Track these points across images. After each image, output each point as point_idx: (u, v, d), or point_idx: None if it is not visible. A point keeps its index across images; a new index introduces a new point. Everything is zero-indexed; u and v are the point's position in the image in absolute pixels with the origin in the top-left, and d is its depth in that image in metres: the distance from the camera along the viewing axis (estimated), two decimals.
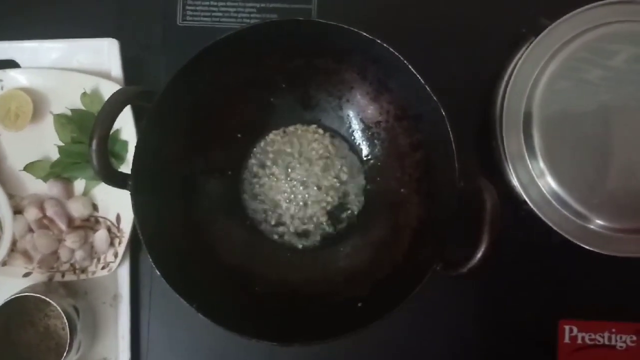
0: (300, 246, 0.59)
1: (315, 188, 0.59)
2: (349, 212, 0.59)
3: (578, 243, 0.54)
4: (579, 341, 0.60)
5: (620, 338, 0.59)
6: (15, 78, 0.61)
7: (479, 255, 0.45)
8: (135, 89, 0.56)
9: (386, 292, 0.51)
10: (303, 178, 0.59)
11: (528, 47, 0.55)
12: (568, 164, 0.54)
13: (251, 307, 0.53)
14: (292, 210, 0.59)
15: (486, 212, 0.45)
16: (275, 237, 0.59)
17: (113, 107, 0.49)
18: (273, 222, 0.59)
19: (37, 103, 0.61)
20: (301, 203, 0.59)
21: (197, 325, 0.59)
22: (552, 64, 0.55)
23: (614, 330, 0.60)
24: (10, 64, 0.62)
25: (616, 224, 0.54)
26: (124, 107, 0.50)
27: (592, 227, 0.54)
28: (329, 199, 0.59)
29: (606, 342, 0.60)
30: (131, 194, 0.49)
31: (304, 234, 0.59)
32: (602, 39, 0.55)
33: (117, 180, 0.50)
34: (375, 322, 0.46)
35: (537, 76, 0.55)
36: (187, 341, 0.61)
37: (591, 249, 0.53)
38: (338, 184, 0.59)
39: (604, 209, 0.54)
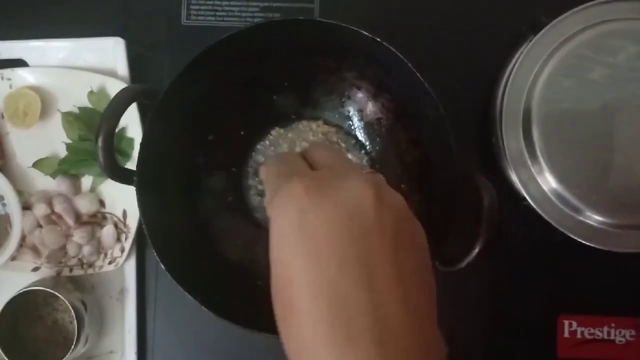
0: None
1: None
2: None
3: (577, 239, 0.53)
4: (579, 336, 0.60)
5: (620, 333, 0.59)
6: (23, 77, 0.61)
7: (476, 251, 0.44)
8: (141, 86, 0.56)
9: None
10: None
11: (527, 45, 0.55)
12: (567, 161, 0.54)
13: (253, 301, 0.51)
14: None
15: (483, 208, 0.44)
16: None
17: (118, 105, 0.49)
18: None
19: (45, 101, 0.61)
20: None
21: (202, 319, 0.60)
22: (551, 62, 0.54)
23: (613, 325, 0.60)
24: (19, 63, 0.62)
25: (615, 219, 0.54)
26: (129, 105, 0.50)
27: (591, 223, 0.54)
28: None
29: (605, 337, 0.60)
30: (136, 190, 0.49)
31: None
32: (601, 37, 0.54)
33: (122, 176, 0.50)
34: None
35: (537, 74, 0.55)
36: (192, 335, 0.62)
37: (590, 244, 0.53)
38: None
39: (603, 205, 0.54)
